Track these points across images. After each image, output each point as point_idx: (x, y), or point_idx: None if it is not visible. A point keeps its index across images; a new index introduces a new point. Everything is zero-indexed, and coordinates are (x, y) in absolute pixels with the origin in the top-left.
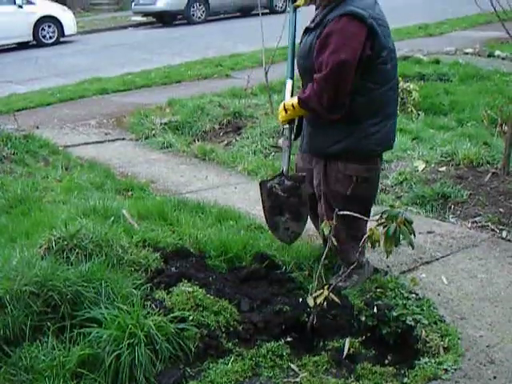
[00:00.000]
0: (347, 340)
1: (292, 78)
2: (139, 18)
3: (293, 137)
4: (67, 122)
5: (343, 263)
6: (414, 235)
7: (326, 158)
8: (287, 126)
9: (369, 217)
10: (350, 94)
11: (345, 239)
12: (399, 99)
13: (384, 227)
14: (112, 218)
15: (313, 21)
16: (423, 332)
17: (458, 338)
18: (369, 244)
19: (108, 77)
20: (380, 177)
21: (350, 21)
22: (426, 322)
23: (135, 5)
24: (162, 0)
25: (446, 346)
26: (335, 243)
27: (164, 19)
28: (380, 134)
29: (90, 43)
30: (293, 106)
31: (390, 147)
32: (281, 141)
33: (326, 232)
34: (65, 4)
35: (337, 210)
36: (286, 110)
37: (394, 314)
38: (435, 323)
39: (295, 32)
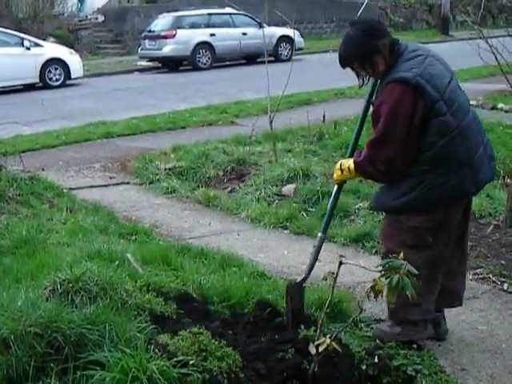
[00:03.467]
0: None
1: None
2: (145, 63)
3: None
4: (72, 165)
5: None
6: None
7: (389, 211)
8: (336, 186)
9: (436, 278)
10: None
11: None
12: None
13: (387, 278)
14: (117, 262)
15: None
16: (424, 382)
17: None
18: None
19: (113, 120)
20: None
21: (396, 87)
22: (427, 372)
23: (141, 50)
24: (169, 46)
25: None
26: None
27: (170, 65)
28: (449, 184)
29: (96, 86)
30: (349, 168)
31: (468, 194)
32: (285, 189)
33: (330, 280)
34: (72, 47)
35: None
36: (341, 170)
37: (395, 363)
38: (436, 374)
39: (364, 117)
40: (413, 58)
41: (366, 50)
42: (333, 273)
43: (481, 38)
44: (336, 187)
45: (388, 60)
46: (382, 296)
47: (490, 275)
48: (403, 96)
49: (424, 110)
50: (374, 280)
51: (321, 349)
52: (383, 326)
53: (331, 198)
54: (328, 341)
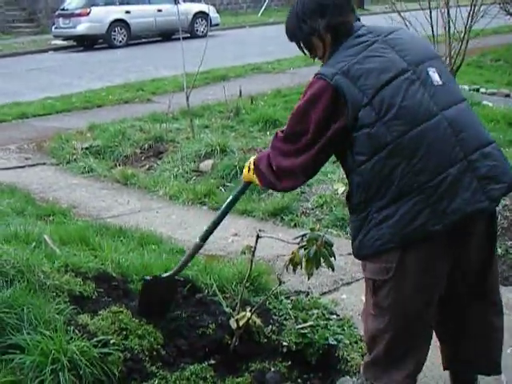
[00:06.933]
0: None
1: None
2: (60, 42)
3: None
4: None
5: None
6: (335, 257)
7: None
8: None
9: (416, 347)
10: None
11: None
12: None
13: (305, 250)
14: (33, 244)
15: None
16: (345, 352)
17: None
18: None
19: (28, 101)
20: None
21: (315, 83)
22: (347, 341)
23: (56, 28)
24: (83, 24)
25: None
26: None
27: (85, 43)
28: (393, 221)
29: (10, 67)
30: (249, 166)
31: (432, 233)
32: (202, 165)
33: (248, 254)
34: None
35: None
36: (249, 168)
37: (317, 333)
38: (356, 343)
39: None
40: (354, 46)
41: (299, 29)
42: (251, 246)
43: (394, 11)
44: (242, 185)
45: (330, 45)
46: (300, 268)
47: None
48: (320, 96)
49: (348, 119)
50: (293, 252)
51: (241, 323)
52: None
53: (230, 197)
54: (248, 314)
